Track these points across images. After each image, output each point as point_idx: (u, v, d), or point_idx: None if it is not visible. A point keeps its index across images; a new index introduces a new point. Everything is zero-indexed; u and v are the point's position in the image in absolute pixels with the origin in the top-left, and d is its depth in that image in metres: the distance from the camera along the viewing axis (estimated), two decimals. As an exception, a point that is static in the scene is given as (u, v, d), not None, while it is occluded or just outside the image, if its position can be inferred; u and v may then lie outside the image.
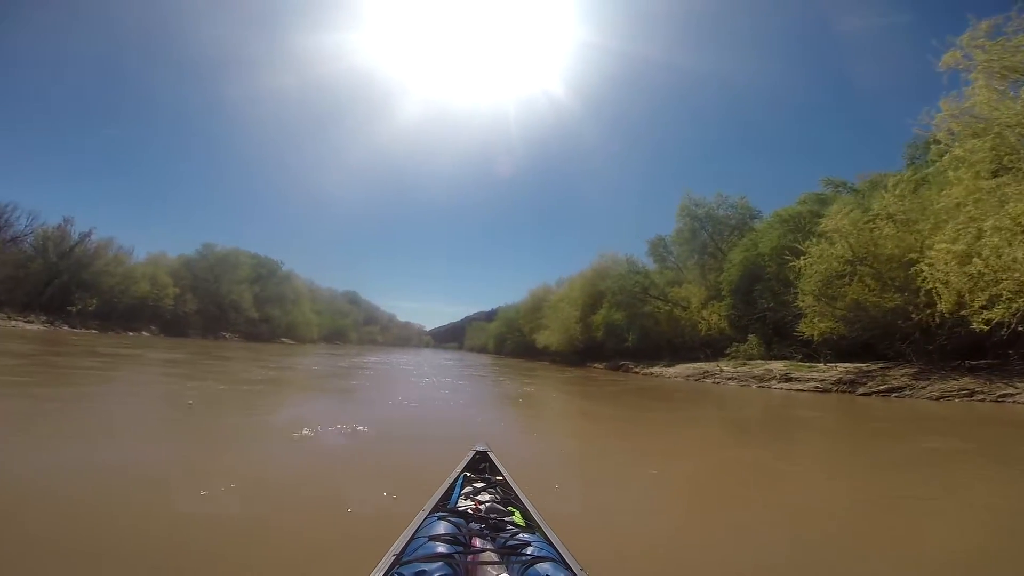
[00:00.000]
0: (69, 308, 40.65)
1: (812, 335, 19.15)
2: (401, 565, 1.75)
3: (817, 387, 17.00)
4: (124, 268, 46.69)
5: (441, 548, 1.85)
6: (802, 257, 19.66)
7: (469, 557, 1.90)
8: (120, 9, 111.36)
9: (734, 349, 25.60)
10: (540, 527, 2.27)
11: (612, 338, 35.37)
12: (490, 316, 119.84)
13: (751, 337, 24.99)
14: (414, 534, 2.04)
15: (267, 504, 3.85)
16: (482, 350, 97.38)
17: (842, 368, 18.34)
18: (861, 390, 15.91)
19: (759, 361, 22.21)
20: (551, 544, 2.04)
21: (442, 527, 2.04)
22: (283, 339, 67.19)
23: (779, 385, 18.25)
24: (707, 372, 22.42)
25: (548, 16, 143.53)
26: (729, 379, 20.53)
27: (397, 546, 1.93)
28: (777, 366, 20.33)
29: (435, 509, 2.39)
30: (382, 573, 1.73)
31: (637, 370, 29.23)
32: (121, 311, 46.90)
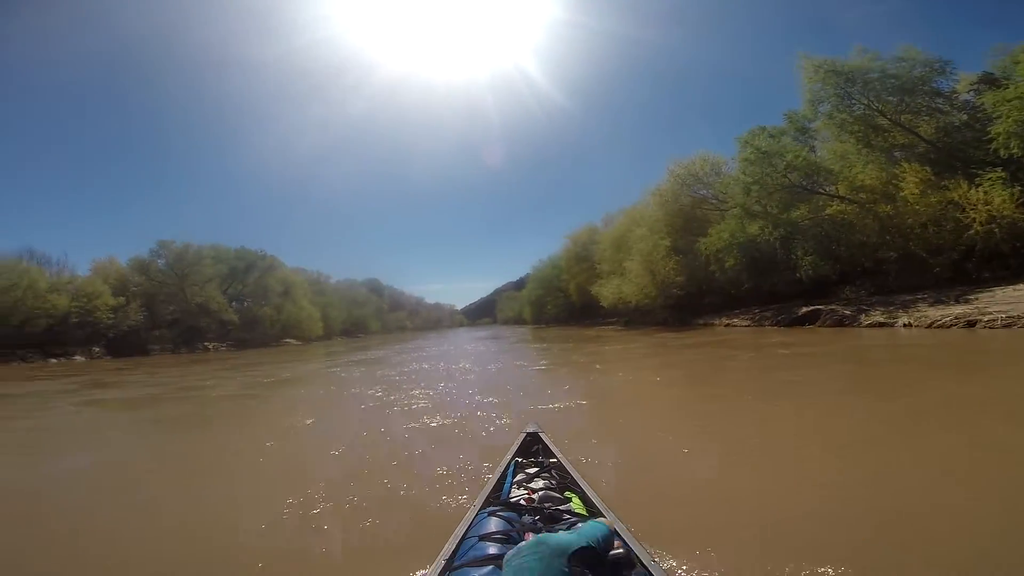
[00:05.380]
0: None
1: None
2: (452, 571, 1.54)
3: None
4: (26, 282, 32.19)
5: (492, 549, 1.60)
6: None
7: None
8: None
9: None
10: (602, 514, 1.96)
11: (754, 269, 19.41)
12: (520, 285, 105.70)
13: None
14: (465, 533, 1.80)
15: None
16: (517, 321, 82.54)
17: None
18: None
19: None
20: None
21: (493, 524, 1.80)
22: (287, 340, 53.16)
23: None
24: None
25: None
26: None
27: (447, 548, 1.69)
28: None
29: (487, 502, 2.13)
30: None
31: (888, 319, 12.89)
32: (38, 335, 32.80)
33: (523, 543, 0.87)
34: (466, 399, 7.44)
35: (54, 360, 31.94)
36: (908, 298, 13.41)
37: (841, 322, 13.70)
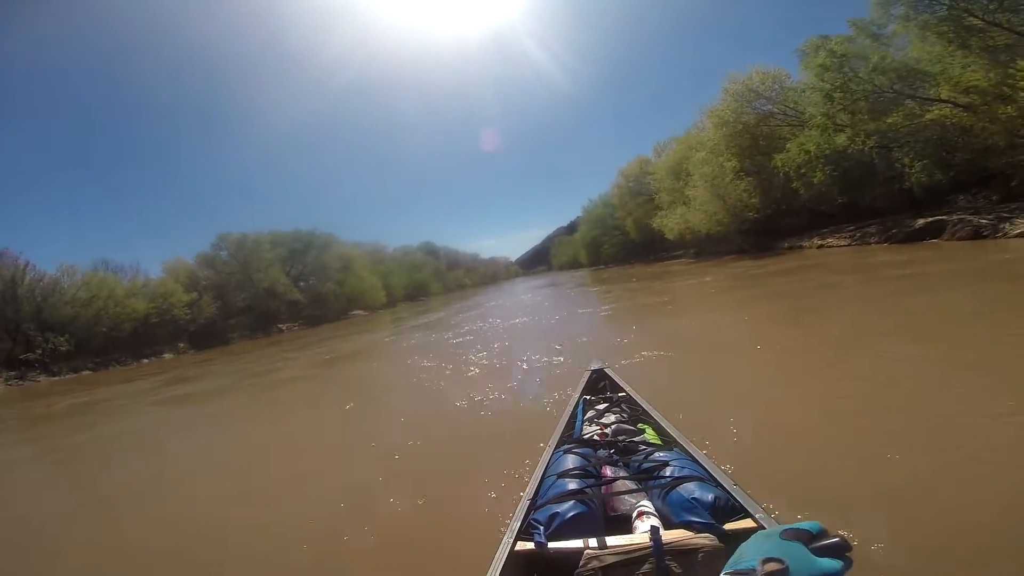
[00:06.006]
0: (27, 356, 28.58)
1: None
2: (536, 509, 1.56)
3: None
4: (106, 292, 33.93)
5: (572, 484, 1.63)
6: None
7: (603, 489, 1.68)
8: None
9: None
10: (677, 443, 1.98)
11: (847, 183, 16.61)
12: (571, 228, 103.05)
13: None
14: (544, 472, 1.81)
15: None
16: (573, 265, 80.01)
17: None
18: None
19: None
20: (694, 460, 1.74)
21: (570, 461, 1.79)
22: (354, 312, 54.53)
23: None
24: None
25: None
26: None
27: (530, 489, 1.72)
28: None
29: (561, 441, 2.14)
30: (519, 521, 1.54)
31: None
32: (126, 339, 34.91)
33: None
34: (525, 361, 6.61)
35: (145, 360, 33.78)
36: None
37: (977, 233, 10.98)
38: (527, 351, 7.22)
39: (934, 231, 12.33)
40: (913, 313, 5.86)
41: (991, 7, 14.68)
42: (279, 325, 45.85)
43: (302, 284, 52.86)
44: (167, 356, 35.37)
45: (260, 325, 44.53)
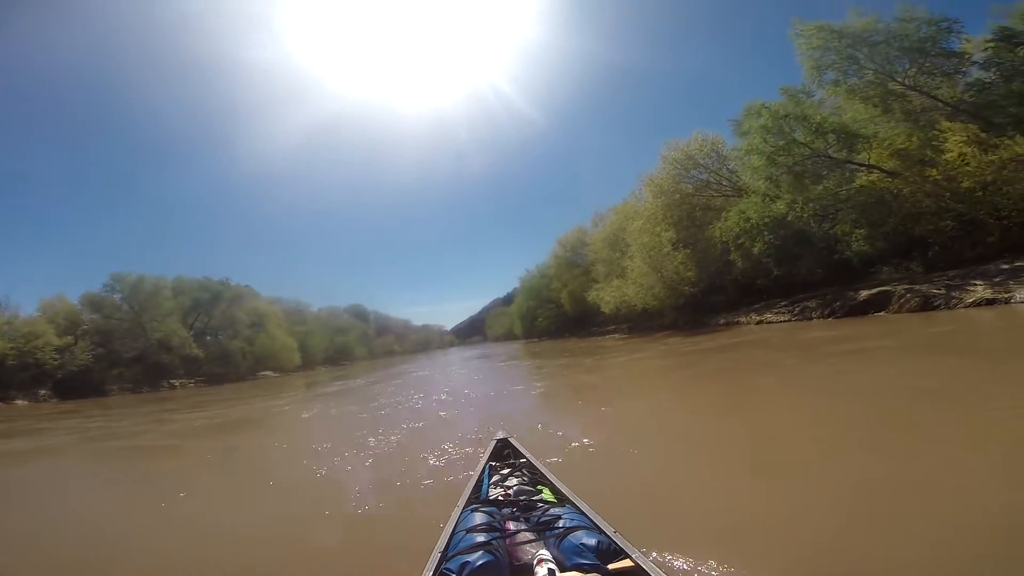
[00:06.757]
0: None
1: None
2: (447, 560, 1.70)
3: None
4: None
5: (480, 537, 1.78)
6: None
7: (507, 540, 1.83)
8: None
9: None
10: (569, 500, 2.17)
11: (784, 253, 16.42)
12: (508, 300, 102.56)
13: None
14: (454, 528, 1.96)
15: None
16: (507, 337, 78.99)
17: None
18: None
19: None
20: (582, 513, 1.97)
21: (478, 518, 1.95)
22: (264, 372, 49.30)
23: None
24: None
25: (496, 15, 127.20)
26: None
27: (441, 543, 1.87)
28: None
29: (469, 502, 2.28)
30: (432, 571, 1.68)
31: (995, 294, 9.58)
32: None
33: None
34: (432, 455, 5.17)
35: (-8, 407, 28.12)
36: (1004, 267, 10.44)
37: (927, 304, 10.42)
38: (443, 439, 5.80)
39: (879, 303, 11.78)
40: (867, 393, 5.33)
41: (911, 71, 15.74)
42: (172, 381, 40.26)
43: (208, 338, 47.70)
44: (20, 403, 30.26)
45: (148, 379, 38.92)
